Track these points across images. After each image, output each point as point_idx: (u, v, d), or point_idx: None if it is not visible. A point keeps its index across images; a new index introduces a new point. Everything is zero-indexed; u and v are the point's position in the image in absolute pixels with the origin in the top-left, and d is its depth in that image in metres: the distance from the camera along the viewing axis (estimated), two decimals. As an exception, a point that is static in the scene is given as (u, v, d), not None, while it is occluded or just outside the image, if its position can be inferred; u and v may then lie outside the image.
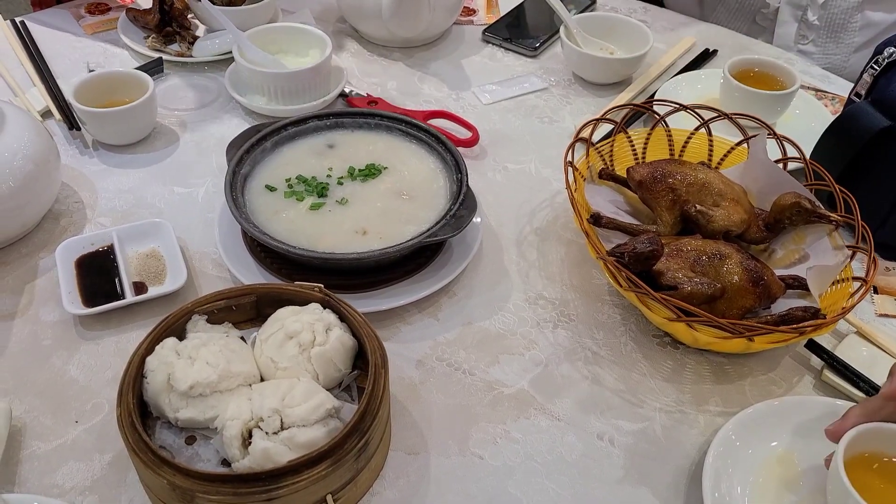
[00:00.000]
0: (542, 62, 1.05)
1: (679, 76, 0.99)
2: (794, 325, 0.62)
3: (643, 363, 0.68)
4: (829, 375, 0.66)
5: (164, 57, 0.98)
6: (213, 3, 0.99)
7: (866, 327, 0.70)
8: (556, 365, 0.68)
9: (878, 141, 0.73)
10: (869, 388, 0.65)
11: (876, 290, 0.75)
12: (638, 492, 0.59)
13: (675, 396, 0.66)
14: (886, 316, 0.73)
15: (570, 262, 0.77)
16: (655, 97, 0.94)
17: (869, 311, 0.73)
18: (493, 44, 1.08)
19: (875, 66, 0.76)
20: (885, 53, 0.75)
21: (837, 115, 0.78)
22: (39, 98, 0.91)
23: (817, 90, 0.98)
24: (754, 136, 0.77)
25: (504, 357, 0.68)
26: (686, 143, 0.82)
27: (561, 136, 0.93)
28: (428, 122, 0.92)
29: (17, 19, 1.03)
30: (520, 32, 1.08)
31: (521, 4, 1.14)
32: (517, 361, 0.68)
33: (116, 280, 0.71)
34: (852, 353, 0.68)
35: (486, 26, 1.10)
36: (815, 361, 0.68)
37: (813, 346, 0.68)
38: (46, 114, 0.90)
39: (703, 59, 1.05)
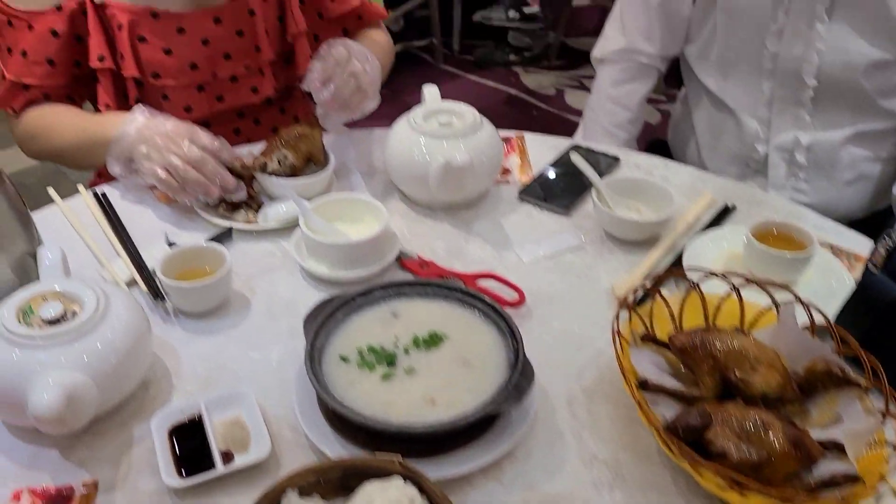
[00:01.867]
0: (574, 219, 1.14)
1: (704, 235, 1.07)
2: (839, 493, 0.68)
3: (696, 523, 0.74)
4: (871, 534, 0.72)
5: (234, 226, 1.07)
6: (276, 174, 1.10)
7: (900, 486, 0.76)
8: (616, 527, 0.73)
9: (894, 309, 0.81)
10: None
11: (905, 447, 0.81)
12: None
13: (728, 557, 0.71)
14: (916, 474, 0.78)
15: (620, 421, 0.83)
16: (684, 257, 1.03)
17: (900, 469, 0.79)
18: (529, 203, 1.17)
19: (887, 239, 0.84)
20: (896, 229, 0.83)
21: (856, 280, 0.87)
22: (124, 268, 1.00)
23: (833, 246, 1.07)
24: (785, 304, 0.84)
25: (566, 519, 0.74)
26: (719, 307, 0.89)
27: (598, 293, 1.01)
28: (477, 282, 1.00)
29: (99, 190, 1.14)
30: (552, 192, 1.18)
31: (551, 165, 1.24)
32: (579, 524, 0.73)
33: (207, 449, 0.77)
34: (890, 512, 0.73)
35: (521, 187, 1.20)
36: (856, 519, 0.74)
37: (852, 505, 0.74)
38: (131, 283, 0.99)
39: (723, 214, 1.14)
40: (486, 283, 1.00)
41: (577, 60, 3.59)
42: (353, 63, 1.13)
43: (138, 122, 1.06)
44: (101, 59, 1.15)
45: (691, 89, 1.48)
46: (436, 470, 0.75)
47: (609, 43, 1.46)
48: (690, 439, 0.71)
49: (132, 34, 1.15)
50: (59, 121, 1.17)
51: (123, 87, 1.19)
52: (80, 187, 1.14)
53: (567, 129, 3.32)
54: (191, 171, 1.03)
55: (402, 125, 1.14)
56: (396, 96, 3.65)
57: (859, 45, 1.23)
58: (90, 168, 1.27)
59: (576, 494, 0.76)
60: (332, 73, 1.12)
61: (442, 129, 1.11)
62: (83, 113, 1.20)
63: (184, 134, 1.04)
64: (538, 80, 3.48)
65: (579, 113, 3.30)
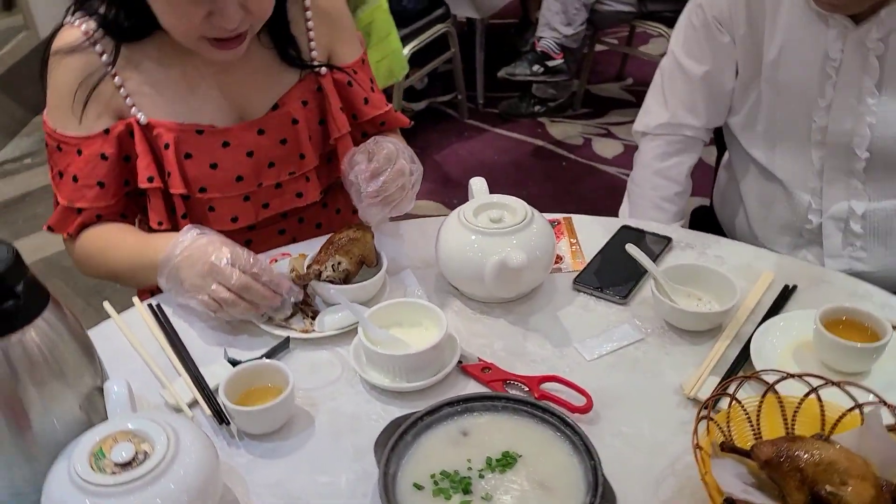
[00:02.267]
0: (633, 309, 1.12)
1: (770, 323, 1.05)
2: None
3: None
4: None
5: (291, 335, 1.07)
6: (331, 281, 1.10)
7: None
8: None
9: None
10: None
11: None
12: None
13: None
14: None
15: (705, 536, 0.81)
16: (752, 350, 1.00)
17: None
18: (585, 293, 1.16)
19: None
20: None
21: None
22: (186, 389, 0.99)
23: (903, 327, 1.04)
24: (870, 407, 0.82)
25: None
26: (797, 409, 0.87)
27: (665, 391, 0.98)
28: (541, 386, 0.98)
29: (154, 303, 1.14)
30: (607, 279, 1.16)
31: (602, 250, 1.23)
32: None
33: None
34: None
35: (574, 274, 1.18)
36: None
37: None
38: (193, 403, 0.98)
39: (784, 296, 1.12)
40: (550, 387, 0.98)
41: (602, 108, 3.59)
42: (400, 161, 1.13)
43: (183, 245, 1.06)
44: (150, 179, 1.16)
45: (736, 157, 1.46)
46: None
47: (652, 118, 1.45)
48: (790, 571, 0.68)
49: (178, 152, 1.16)
50: (112, 243, 1.18)
51: (172, 202, 1.19)
52: (136, 300, 1.15)
53: (597, 178, 3.32)
54: (237, 300, 1.02)
55: (453, 222, 1.14)
56: (425, 153, 3.68)
57: None
58: (146, 287, 1.28)
59: None
60: (381, 168, 1.12)
61: (494, 226, 1.10)
62: (135, 232, 1.21)
63: (225, 263, 1.03)
64: (565, 130, 3.48)
65: (608, 161, 3.30)
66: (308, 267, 1.11)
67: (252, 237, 1.29)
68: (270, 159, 1.21)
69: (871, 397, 0.84)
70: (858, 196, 1.30)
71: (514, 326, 1.11)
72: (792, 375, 0.87)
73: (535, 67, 3.19)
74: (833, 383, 0.85)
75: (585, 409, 0.95)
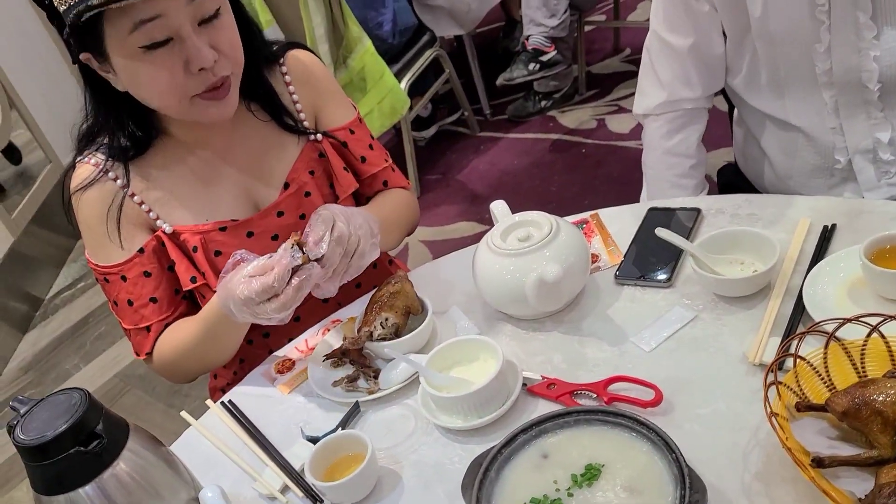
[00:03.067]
0: (679, 289, 1.13)
1: (816, 269, 1.04)
2: None
3: None
4: None
5: (359, 399, 1.10)
6: (384, 338, 1.13)
7: None
8: None
9: None
10: None
11: None
12: None
13: None
14: None
15: (808, 499, 0.80)
16: (806, 301, 1.00)
17: None
18: (628, 285, 1.17)
19: None
20: None
21: None
22: (275, 477, 1.03)
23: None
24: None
25: None
26: (863, 351, 0.86)
27: (732, 362, 0.99)
28: (608, 390, 1.00)
29: (226, 400, 1.18)
30: (647, 267, 1.17)
31: (635, 238, 1.23)
32: None
33: None
34: None
35: (613, 269, 1.19)
36: None
37: None
38: (284, 489, 1.02)
39: (825, 238, 1.11)
40: (617, 387, 0.99)
41: (607, 85, 3.58)
42: (338, 226, 1.07)
43: (228, 278, 1.06)
44: (193, 280, 1.21)
45: (746, 114, 1.45)
46: None
47: (648, 99, 1.46)
48: (892, 518, 0.68)
49: (207, 252, 1.21)
50: (178, 331, 1.22)
51: None
52: (209, 402, 1.19)
53: (619, 156, 3.31)
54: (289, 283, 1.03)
55: (484, 251, 1.16)
56: (446, 177, 3.71)
57: None
58: (230, 350, 1.24)
59: None
60: (320, 237, 1.07)
61: (524, 245, 1.12)
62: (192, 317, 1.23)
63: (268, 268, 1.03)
64: (577, 117, 3.48)
65: (626, 137, 3.29)
66: (358, 330, 1.14)
67: (300, 314, 1.32)
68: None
69: (933, 322, 0.83)
70: (881, 126, 1.28)
71: (569, 336, 1.12)
72: (848, 320, 0.86)
73: (531, 66, 3.20)
74: (891, 317, 0.85)
75: (656, 402, 0.95)
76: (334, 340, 1.21)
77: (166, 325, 1.23)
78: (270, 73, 1.28)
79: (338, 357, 1.17)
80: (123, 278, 1.21)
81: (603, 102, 3.51)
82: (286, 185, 1.27)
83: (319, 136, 1.29)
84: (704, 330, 1.05)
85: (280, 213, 1.25)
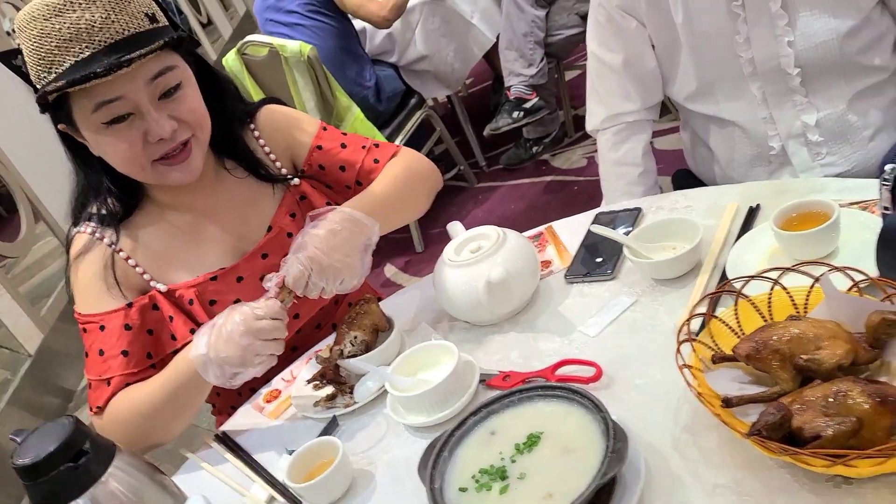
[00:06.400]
0: (622, 279, 1.21)
1: (738, 243, 1.13)
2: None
3: (829, 509, 0.76)
4: None
5: (335, 413, 1.19)
6: (354, 355, 1.22)
7: None
8: (757, 542, 0.76)
9: (922, 238, 0.84)
10: None
11: None
12: None
13: (870, 528, 0.73)
14: None
15: (729, 443, 0.87)
16: (727, 271, 1.08)
17: None
18: (577, 282, 1.25)
19: (886, 182, 0.89)
20: (888, 170, 0.88)
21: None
22: (262, 490, 1.11)
23: (861, 202, 1.10)
24: (821, 276, 0.89)
25: (710, 553, 0.77)
26: (770, 304, 0.94)
27: (667, 337, 1.06)
28: (555, 373, 1.07)
29: (220, 432, 1.28)
30: (593, 264, 1.26)
31: (583, 242, 1.33)
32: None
33: None
34: None
35: (563, 271, 1.28)
36: (978, 444, 0.75)
37: (967, 433, 0.75)
38: (270, 500, 1.10)
39: (750, 217, 1.19)
40: (564, 371, 1.07)
41: (593, 125, 3.71)
42: (294, 267, 1.17)
43: (205, 336, 1.13)
44: (192, 331, 1.27)
45: (689, 118, 1.56)
46: (577, 555, 0.80)
47: (594, 116, 1.57)
48: (780, 435, 0.75)
49: (203, 302, 1.29)
50: (138, 391, 1.22)
51: None
52: (208, 440, 1.28)
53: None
54: (264, 345, 1.11)
55: (441, 266, 1.26)
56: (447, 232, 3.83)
57: (825, 23, 1.30)
58: (188, 416, 1.24)
59: (710, 527, 0.80)
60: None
61: (474, 257, 1.21)
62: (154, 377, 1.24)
63: (241, 322, 1.11)
64: (567, 159, 3.60)
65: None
66: (331, 350, 1.24)
67: (297, 343, 1.42)
68: None
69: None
70: (807, 110, 1.38)
71: (524, 334, 1.20)
72: (752, 277, 0.94)
73: (515, 114, 3.35)
74: (788, 269, 0.92)
75: (597, 377, 1.03)
76: (316, 368, 1.31)
77: (127, 384, 1.23)
78: (243, 131, 1.39)
79: (318, 380, 1.26)
80: (102, 328, 1.26)
81: (591, 142, 3.62)
82: (269, 229, 1.36)
83: (296, 180, 1.40)
84: (643, 312, 1.13)
85: (265, 256, 1.34)
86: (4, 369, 3.55)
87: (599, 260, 1.26)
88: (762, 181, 1.35)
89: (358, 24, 3.38)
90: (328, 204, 1.40)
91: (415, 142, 3.46)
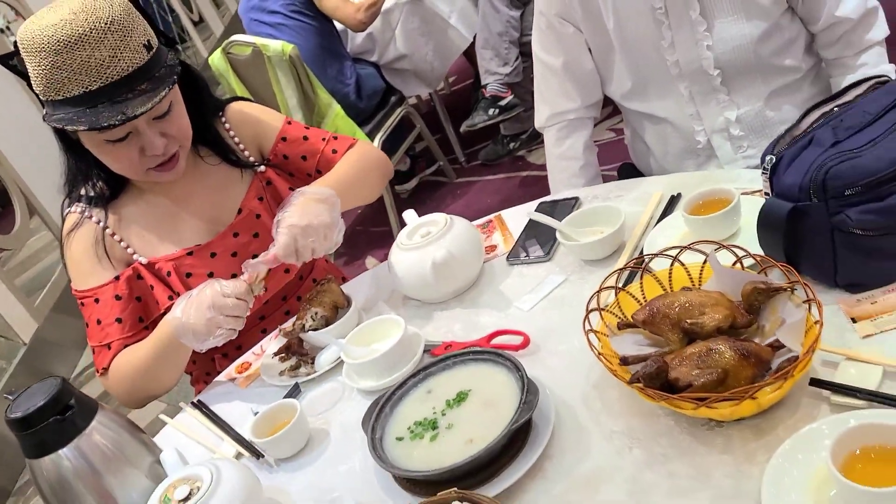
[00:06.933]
0: (556, 261, 1.35)
1: (657, 227, 1.26)
2: (778, 373, 0.84)
3: (702, 446, 0.90)
4: (836, 398, 0.86)
5: (299, 381, 1.32)
6: (315, 329, 1.35)
7: (851, 351, 0.90)
8: (641, 474, 0.90)
9: (793, 218, 0.98)
10: (867, 396, 0.84)
11: (854, 320, 0.95)
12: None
13: (731, 457, 0.86)
14: (869, 336, 0.93)
15: (628, 397, 1.01)
16: (644, 251, 1.21)
17: (854, 339, 0.93)
18: (517, 264, 1.39)
19: (765, 171, 1.02)
20: (766, 161, 1.01)
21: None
22: (230, 448, 1.24)
23: (758, 191, 1.23)
24: (709, 253, 1.02)
25: (603, 487, 0.91)
26: (670, 277, 1.07)
27: (589, 309, 1.19)
28: (491, 342, 1.21)
29: (196, 400, 1.41)
30: (532, 247, 1.39)
31: (525, 228, 1.46)
32: (616, 485, 0.90)
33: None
34: (846, 375, 0.88)
35: (506, 254, 1.42)
36: (827, 393, 0.88)
37: (817, 383, 0.89)
38: (238, 456, 1.23)
39: (671, 204, 1.33)
40: (498, 340, 1.21)
41: (569, 122, 3.84)
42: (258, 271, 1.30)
43: (181, 304, 1.27)
44: (170, 297, 1.43)
45: (628, 115, 1.69)
46: (493, 489, 0.94)
47: (540, 115, 1.70)
48: (659, 384, 0.89)
49: (180, 274, 1.45)
50: (132, 352, 1.39)
51: None
52: (182, 405, 1.41)
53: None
54: (226, 320, 1.25)
55: (393, 250, 1.39)
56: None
57: (739, 28, 1.43)
58: (176, 372, 1.40)
59: (605, 465, 0.93)
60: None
61: (423, 240, 1.35)
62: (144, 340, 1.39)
63: (209, 296, 1.24)
64: (543, 154, 3.71)
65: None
66: (294, 324, 1.37)
67: (265, 326, 1.56)
68: (252, 252, 1.47)
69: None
70: (729, 107, 1.51)
71: (468, 309, 1.34)
72: (654, 255, 1.08)
73: (491, 111, 3.48)
74: (685, 247, 1.06)
75: (524, 345, 1.17)
76: (282, 343, 1.44)
77: (125, 346, 1.40)
78: (216, 123, 1.54)
79: (284, 352, 1.39)
80: (97, 300, 1.43)
81: (566, 138, 3.76)
82: (239, 211, 1.51)
83: (263, 167, 1.55)
84: (571, 289, 1.26)
85: (236, 234, 1.49)
86: (0, 357, 3.68)
87: (538, 244, 1.40)
88: (688, 172, 1.48)
89: (339, 24, 3.51)
90: (291, 189, 1.54)
91: (395, 138, 3.59)
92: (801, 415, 0.88)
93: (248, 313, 1.28)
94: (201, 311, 1.24)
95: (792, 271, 0.93)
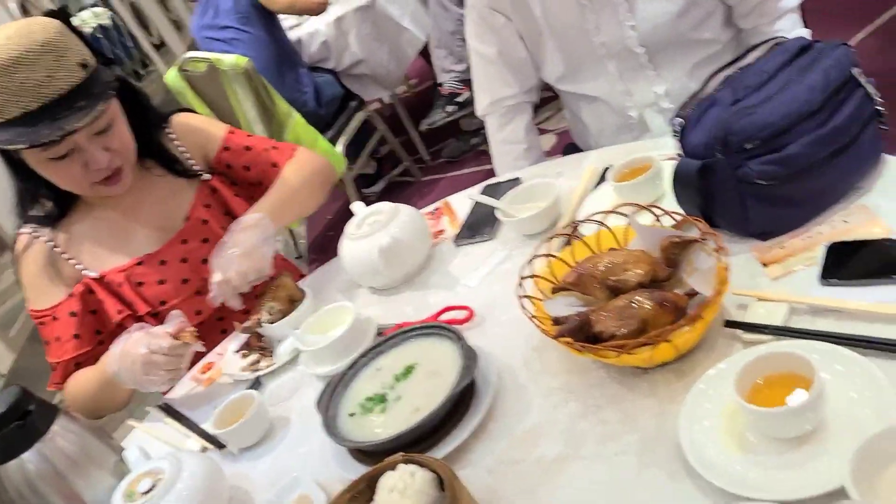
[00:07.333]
0: (500, 239, 1.40)
1: (589, 197, 1.32)
2: (690, 316, 0.89)
3: (630, 393, 0.95)
4: (748, 336, 0.92)
5: (258, 374, 1.36)
6: (271, 322, 1.40)
7: (761, 293, 0.96)
8: (576, 425, 0.95)
9: (703, 175, 1.03)
10: (773, 331, 0.90)
11: (765, 265, 1.01)
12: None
13: (655, 400, 0.92)
14: (778, 278, 0.98)
15: (566, 357, 1.06)
16: (578, 220, 1.27)
17: (765, 282, 0.99)
18: (464, 245, 1.44)
19: (676, 133, 1.08)
20: (675, 123, 1.07)
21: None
22: (195, 443, 1.28)
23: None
24: (629, 214, 1.08)
25: (542, 440, 0.96)
26: (598, 241, 1.13)
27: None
28: (439, 318, 1.26)
29: (162, 403, 1.45)
30: (477, 228, 1.45)
31: (471, 211, 1.51)
32: (553, 437, 0.95)
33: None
34: (756, 314, 0.93)
35: (454, 236, 1.47)
36: (740, 332, 0.94)
37: (731, 324, 0.94)
38: (203, 450, 1.27)
39: (602, 178, 1.38)
40: (445, 316, 1.26)
41: (528, 114, 3.91)
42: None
43: (116, 352, 1.30)
44: (119, 311, 1.48)
45: (566, 98, 1.75)
46: (440, 452, 0.98)
47: (480, 103, 1.76)
48: (584, 337, 0.94)
49: (131, 284, 1.49)
50: (80, 379, 1.45)
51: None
52: (149, 409, 1.45)
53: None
54: (161, 376, 1.29)
55: (345, 241, 1.44)
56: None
57: (658, 7, 1.49)
58: (126, 395, 1.44)
59: (544, 420, 0.98)
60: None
61: (370, 229, 1.40)
62: (93, 367, 1.43)
63: (140, 357, 1.26)
64: (504, 147, 3.79)
65: (548, 154, 3.58)
66: (251, 319, 1.42)
67: (225, 327, 1.60)
68: (201, 257, 1.52)
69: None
70: (656, 82, 1.57)
71: (418, 292, 1.39)
72: (581, 221, 1.13)
73: (449, 108, 3.54)
74: (609, 212, 1.11)
75: (469, 318, 1.22)
76: (242, 340, 1.48)
77: (76, 364, 1.45)
78: (160, 135, 1.58)
79: (245, 349, 1.44)
80: (55, 318, 1.47)
81: (525, 129, 3.83)
82: (187, 219, 1.55)
83: (208, 175, 1.59)
84: (514, 263, 1.31)
85: (184, 241, 1.53)
86: (-21, 390, 3.68)
87: (482, 224, 1.45)
88: (617, 145, 1.54)
89: (293, 34, 3.56)
90: (236, 196, 1.60)
91: (358, 143, 3.63)
92: (718, 354, 0.93)
93: (186, 363, 1.33)
94: (135, 369, 1.27)
95: (704, 224, 0.99)
